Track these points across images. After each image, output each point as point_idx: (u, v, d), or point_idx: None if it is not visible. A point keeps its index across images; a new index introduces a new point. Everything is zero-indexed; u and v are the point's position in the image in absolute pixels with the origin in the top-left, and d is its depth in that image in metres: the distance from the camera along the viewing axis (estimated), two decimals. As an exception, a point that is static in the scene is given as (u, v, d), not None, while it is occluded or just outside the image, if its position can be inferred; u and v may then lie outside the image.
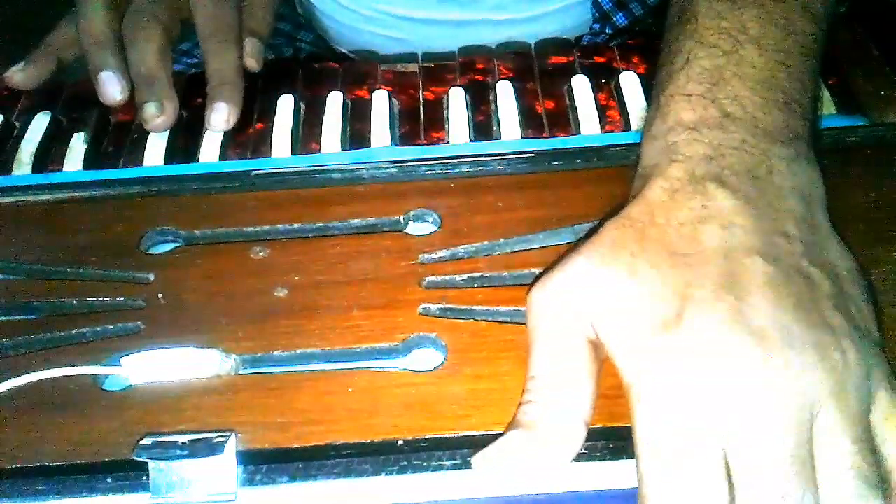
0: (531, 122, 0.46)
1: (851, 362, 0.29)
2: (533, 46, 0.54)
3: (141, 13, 0.48)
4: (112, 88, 0.47)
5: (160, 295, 0.38)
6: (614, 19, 0.64)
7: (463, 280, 0.38)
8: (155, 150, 0.46)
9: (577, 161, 0.42)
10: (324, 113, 0.48)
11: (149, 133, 0.47)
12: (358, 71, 0.52)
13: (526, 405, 0.32)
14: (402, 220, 0.40)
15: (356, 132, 0.47)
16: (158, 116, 0.46)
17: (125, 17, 0.48)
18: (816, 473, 0.28)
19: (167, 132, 0.47)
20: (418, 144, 0.46)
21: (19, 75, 0.50)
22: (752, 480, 0.28)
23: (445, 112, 0.48)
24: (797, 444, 0.28)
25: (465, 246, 0.39)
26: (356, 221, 0.40)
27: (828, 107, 0.45)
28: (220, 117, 0.47)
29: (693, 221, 0.32)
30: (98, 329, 0.37)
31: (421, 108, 0.48)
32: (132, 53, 0.47)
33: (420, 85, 0.50)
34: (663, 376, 0.30)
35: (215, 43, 0.48)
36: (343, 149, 0.46)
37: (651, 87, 0.39)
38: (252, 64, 0.49)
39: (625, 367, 0.31)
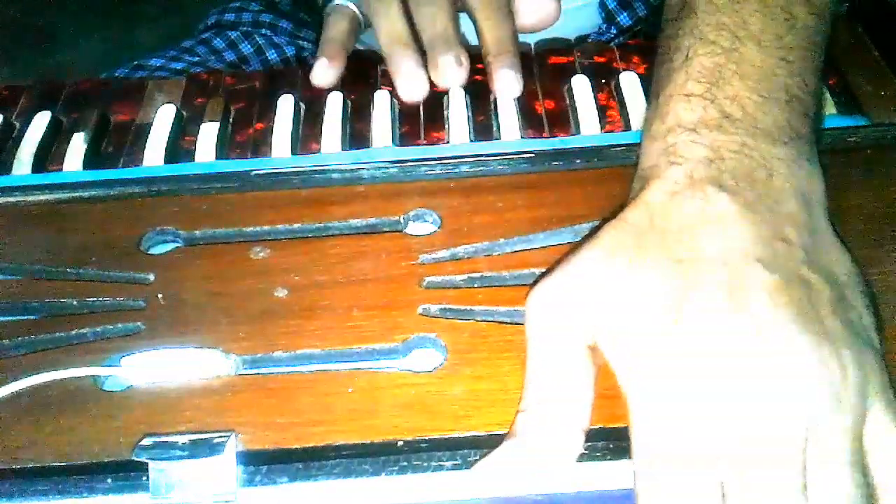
0: (531, 122, 0.46)
1: (849, 372, 0.29)
2: (533, 46, 0.53)
3: None
4: (415, 84, 0.47)
5: (160, 295, 0.38)
6: (618, 19, 0.64)
7: (463, 280, 0.38)
8: (155, 150, 0.46)
9: (577, 161, 0.42)
10: (324, 113, 0.48)
11: (149, 133, 0.47)
12: (358, 71, 0.52)
13: (522, 414, 0.32)
14: (402, 220, 0.40)
15: (356, 132, 0.47)
16: (458, 69, 0.46)
17: (411, 3, 0.48)
18: (808, 486, 0.28)
19: (167, 132, 0.47)
20: (418, 144, 0.46)
21: (331, 73, 0.49)
22: (744, 485, 0.28)
23: (445, 112, 0.48)
24: (791, 451, 0.28)
25: (465, 246, 0.39)
26: (356, 221, 0.40)
27: (828, 107, 0.45)
28: (509, 84, 0.47)
29: (692, 226, 0.32)
30: (98, 329, 0.37)
31: (421, 109, 0.48)
32: (425, 16, 0.47)
33: (420, 85, 0.50)
34: (660, 380, 0.30)
35: (490, 12, 0.48)
36: (343, 149, 0.46)
37: (650, 85, 0.39)
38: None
39: (622, 371, 0.31)
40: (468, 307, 0.37)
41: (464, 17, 0.50)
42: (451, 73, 0.46)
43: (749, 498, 0.28)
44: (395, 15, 0.48)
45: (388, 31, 0.48)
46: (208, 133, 0.47)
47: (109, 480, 0.32)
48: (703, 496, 0.28)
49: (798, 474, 0.28)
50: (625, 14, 0.64)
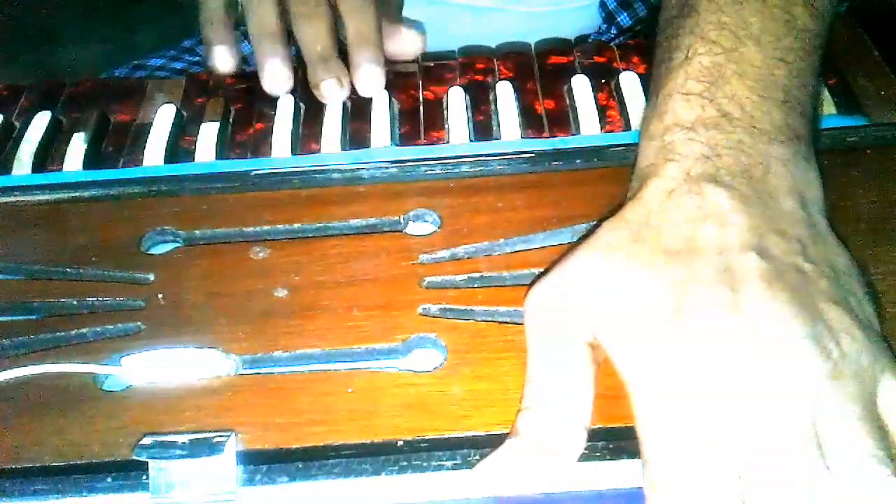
0: (531, 122, 0.46)
1: (848, 351, 0.29)
2: (533, 46, 0.54)
3: None
4: (278, 81, 0.48)
5: (160, 295, 0.38)
6: (618, 19, 0.64)
7: (463, 280, 0.38)
8: (155, 150, 0.46)
9: (577, 161, 0.42)
10: (324, 113, 0.48)
11: (149, 133, 0.47)
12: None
13: (523, 412, 0.32)
14: (401, 221, 0.40)
15: (356, 132, 0.47)
16: (340, 90, 0.47)
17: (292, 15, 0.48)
18: (826, 458, 0.28)
19: (167, 131, 0.47)
20: (418, 144, 0.46)
21: (231, 62, 0.50)
22: (759, 466, 0.28)
23: (445, 112, 0.48)
24: (802, 428, 0.28)
25: (465, 246, 0.39)
26: (356, 221, 0.40)
27: (828, 107, 0.45)
28: (370, 79, 0.47)
29: (689, 221, 0.32)
30: (98, 329, 0.37)
31: (421, 108, 0.48)
32: (307, 33, 0.48)
33: (420, 85, 0.50)
34: (662, 367, 0.30)
35: (352, 4, 0.48)
36: (343, 149, 0.46)
37: (649, 83, 0.39)
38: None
39: (622, 362, 0.31)
40: (468, 307, 0.37)
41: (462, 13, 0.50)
42: (333, 97, 0.48)
43: (770, 483, 0.28)
44: (265, 6, 0.48)
45: (257, 21, 0.48)
46: (208, 133, 0.47)
47: (109, 480, 0.32)
48: (720, 490, 0.28)
49: (814, 451, 0.28)
50: (625, 14, 0.64)
